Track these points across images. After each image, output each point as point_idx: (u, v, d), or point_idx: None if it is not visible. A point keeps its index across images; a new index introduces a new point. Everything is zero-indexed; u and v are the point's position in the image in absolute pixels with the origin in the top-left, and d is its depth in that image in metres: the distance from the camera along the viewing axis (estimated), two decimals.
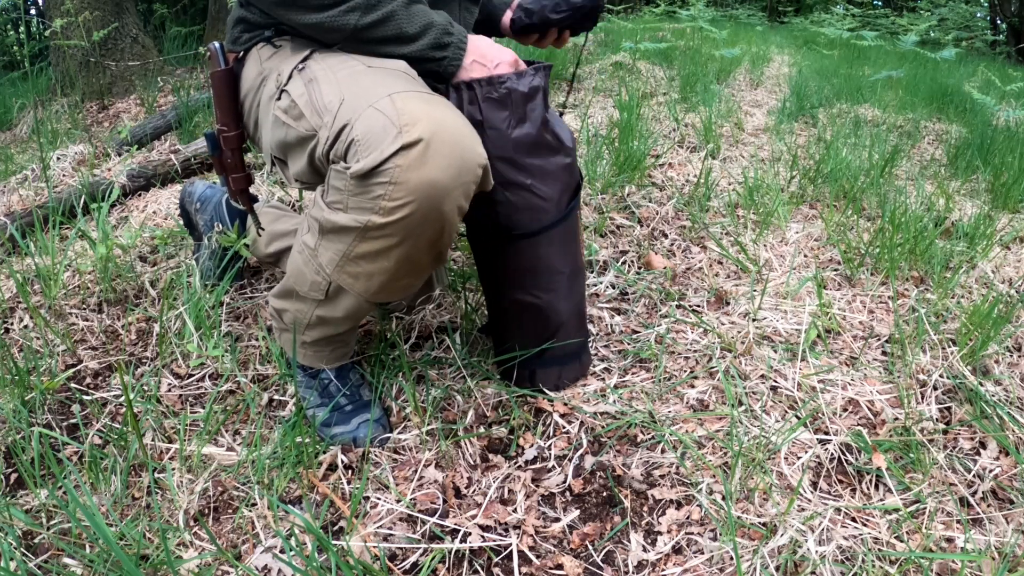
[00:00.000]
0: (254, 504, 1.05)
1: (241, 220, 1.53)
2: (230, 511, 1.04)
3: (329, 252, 0.99)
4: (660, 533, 1.02)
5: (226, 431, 1.19)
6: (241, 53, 1.18)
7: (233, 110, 1.18)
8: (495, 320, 1.28)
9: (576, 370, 1.29)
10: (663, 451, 1.15)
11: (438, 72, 1.05)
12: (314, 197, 1.01)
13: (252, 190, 1.60)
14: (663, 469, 1.12)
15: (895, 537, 1.00)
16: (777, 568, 0.95)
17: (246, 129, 1.20)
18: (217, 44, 1.17)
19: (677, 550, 0.99)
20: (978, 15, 9.81)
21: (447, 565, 0.96)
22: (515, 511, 1.04)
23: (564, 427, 1.20)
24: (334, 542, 0.98)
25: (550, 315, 1.21)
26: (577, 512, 1.06)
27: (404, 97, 0.88)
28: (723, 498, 1.06)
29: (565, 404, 1.24)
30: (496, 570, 0.96)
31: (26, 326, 1.46)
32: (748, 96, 3.66)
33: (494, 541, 0.99)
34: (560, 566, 0.96)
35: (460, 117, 0.93)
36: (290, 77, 1.03)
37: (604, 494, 1.09)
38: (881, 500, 1.07)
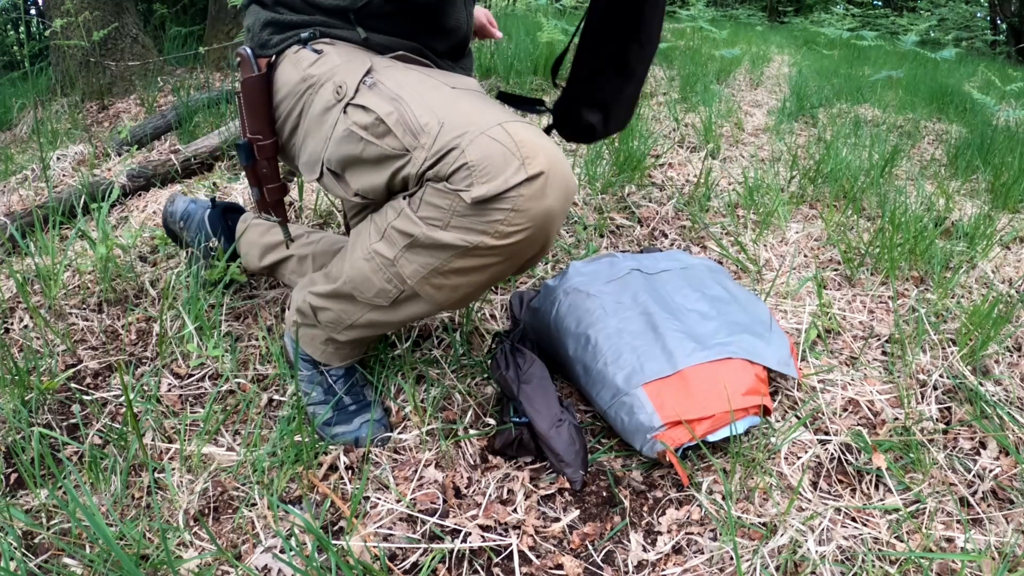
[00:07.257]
0: (254, 504, 1.05)
1: (226, 235, 1.49)
2: (230, 511, 1.04)
3: (415, 264, 0.99)
4: (660, 533, 1.02)
5: (226, 431, 1.19)
6: (273, 57, 1.12)
7: (268, 117, 1.12)
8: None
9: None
10: None
11: None
12: (391, 208, 0.99)
13: (240, 201, 1.60)
14: (663, 469, 1.12)
15: (895, 537, 1.00)
16: (777, 568, 0.95)
17: (279, 136, 1.14)
18: (248, 49, 1.11)
19: (677, 550, 0.99)
20: (978, 15, 9.81)
21: (447, 565, 0.96)
22: (515, 511, 1.04)
23: None
24: (334, 542, 0.98)
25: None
26: (577, 512, 1.06)
27: (516, 127, 0.91)
28: (723, 498, 1.06)
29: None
30: (496, 570, 0.96)
31: (26, 326, 1.46)
32: (748, 96, 3.65)
33: (494, 541, 0.99)
34: (560, 566, 0.96)
35: (559, 148, 0.96)
36: (357, 91, 0.99)
37: (604, 494, 1.09)
38: (881, 500, 1.07)
